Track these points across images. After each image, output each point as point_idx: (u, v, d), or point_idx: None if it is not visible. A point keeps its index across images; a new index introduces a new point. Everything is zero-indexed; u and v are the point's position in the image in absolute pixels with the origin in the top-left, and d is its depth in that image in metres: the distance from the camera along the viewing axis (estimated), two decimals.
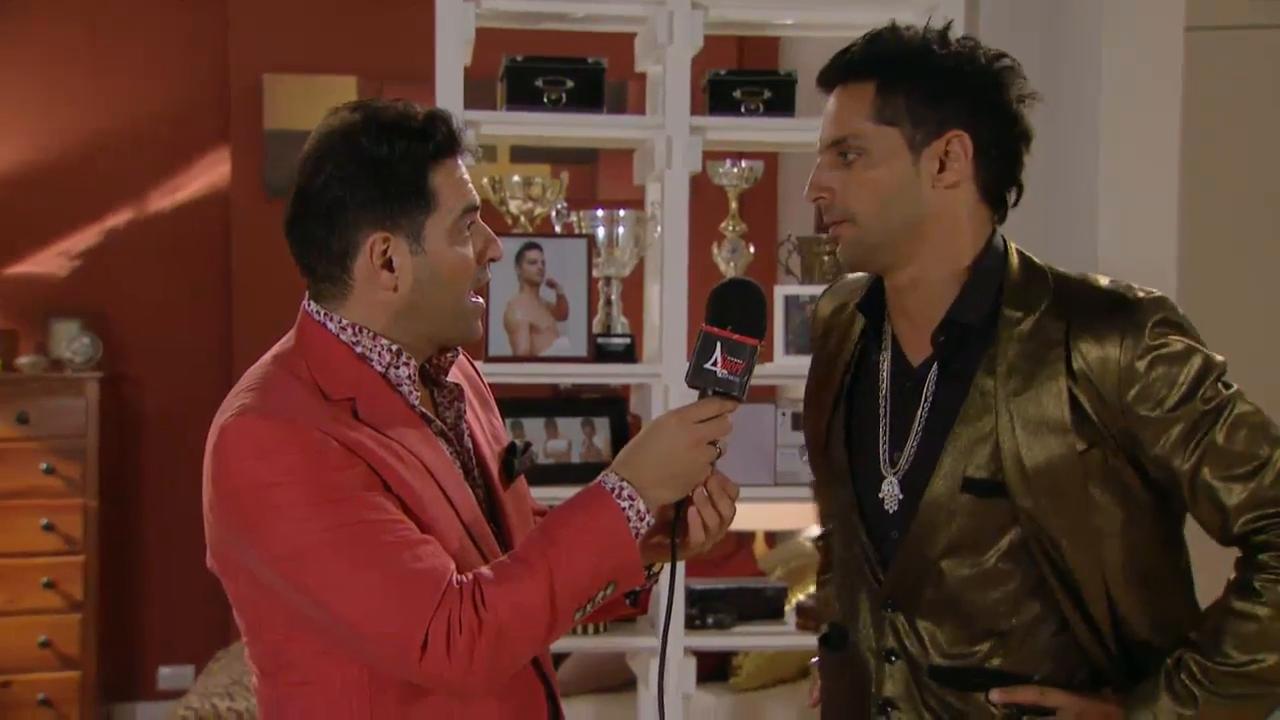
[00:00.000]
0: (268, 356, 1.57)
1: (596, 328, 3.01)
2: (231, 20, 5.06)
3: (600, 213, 3.06)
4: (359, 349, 1.54)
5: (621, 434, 3.10)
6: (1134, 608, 1.56)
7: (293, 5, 5.05)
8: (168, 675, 5.10)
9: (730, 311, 1.52)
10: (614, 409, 3.13)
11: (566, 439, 3.06)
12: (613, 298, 3.05)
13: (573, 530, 1.46)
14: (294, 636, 1.49)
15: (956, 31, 1.59)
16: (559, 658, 4.01)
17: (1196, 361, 1.52)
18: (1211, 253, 2.97)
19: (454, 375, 1.64)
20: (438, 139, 1.52)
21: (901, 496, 1.60)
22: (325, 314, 1.55)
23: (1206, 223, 2.91)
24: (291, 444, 1.42)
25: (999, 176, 1.60)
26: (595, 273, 3.01)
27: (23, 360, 4.83)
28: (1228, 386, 1.53)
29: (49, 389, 4.70)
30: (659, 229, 2.94)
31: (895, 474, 1.61)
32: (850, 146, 1.56)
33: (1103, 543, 1.54)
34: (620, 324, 3.04)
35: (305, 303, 1.58)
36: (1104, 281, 1.59)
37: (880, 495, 1.62)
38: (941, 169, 1.56)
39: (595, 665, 3.98)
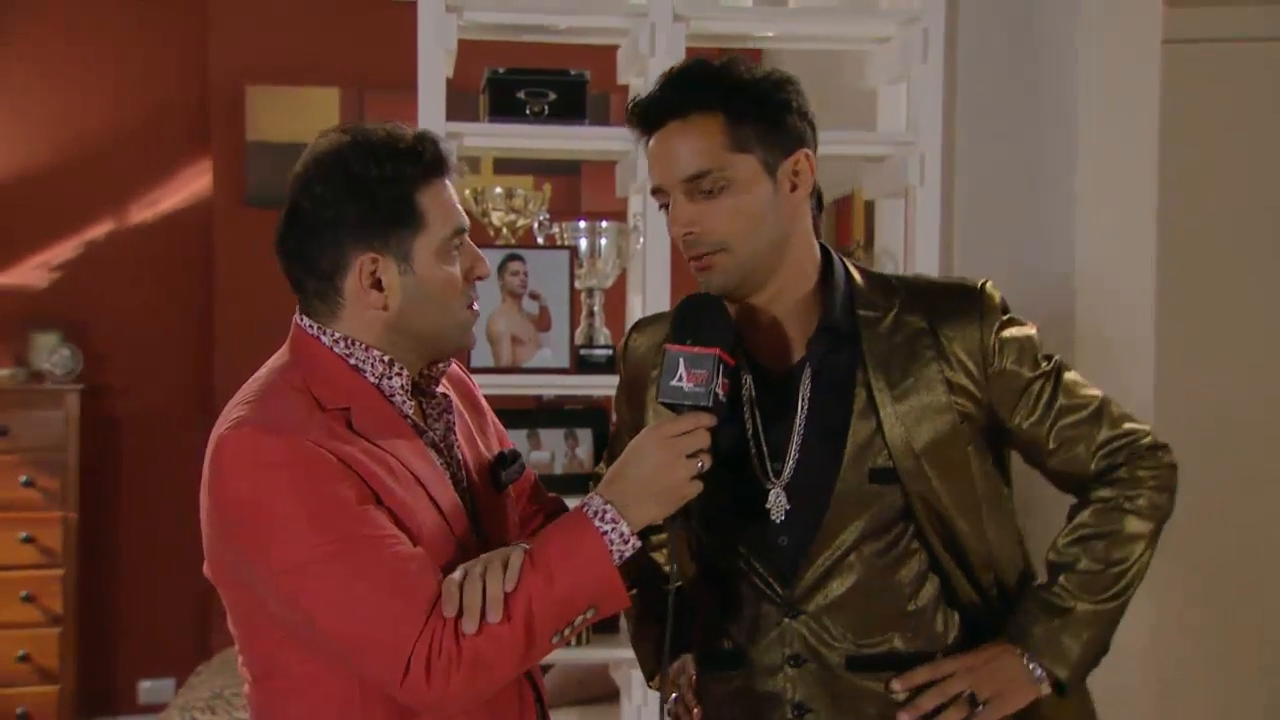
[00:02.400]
0: (263, 369, 1.59)
1: (579, 339, 3.01)
2: (213, 31, 5.06)
3: (583, 224, 3.06)
4: (352, 361, 1.56)
5: (604, 445, 3.09)
6: (1011, 567, 1.73)
7: (274, 16, 5.05)
8: (148, 689, 5.08)
9: (687, 326, 1.56)
10: (597, 420, 3.14)
11: (549, 450, 3.06)
12: (595, 309, 3.05)
13: (552, 555, 1.46)
14: (285, 645, 1.51)
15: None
16: (542, 669, 4.00)
17: (1032, 334, 1.72)
18: (1189, 264, 2.98)
19: (442, 386, 1.66)
20: (426, 160, 1.54)
21: (789, 506, 1.66)
22: (318, 328, 1.57)
23: (1185, 235, 2.92)
24: (287, 457, 1.44)
25: (817, 190, 1.73)
26: (577, 284, 3.01)
27: (2, 372, 4.81)
28: (1048, 354, 1.74)
29: (28, 401, 4.68)
30: (641, 240, 2.95)
31: (780, 483, 1.67)
32: (714, 180, 1.61)
33: (982, 509, 1.68)
34: (603, 335, 3.04)
35: (297, 316, 1.60)
36: (937, 277, 1.79)
37: (767, 506, 1.67)
38: (794, 188, 1.66)
39: (579, 677, 3.98)
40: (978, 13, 3.08)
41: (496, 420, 1.79)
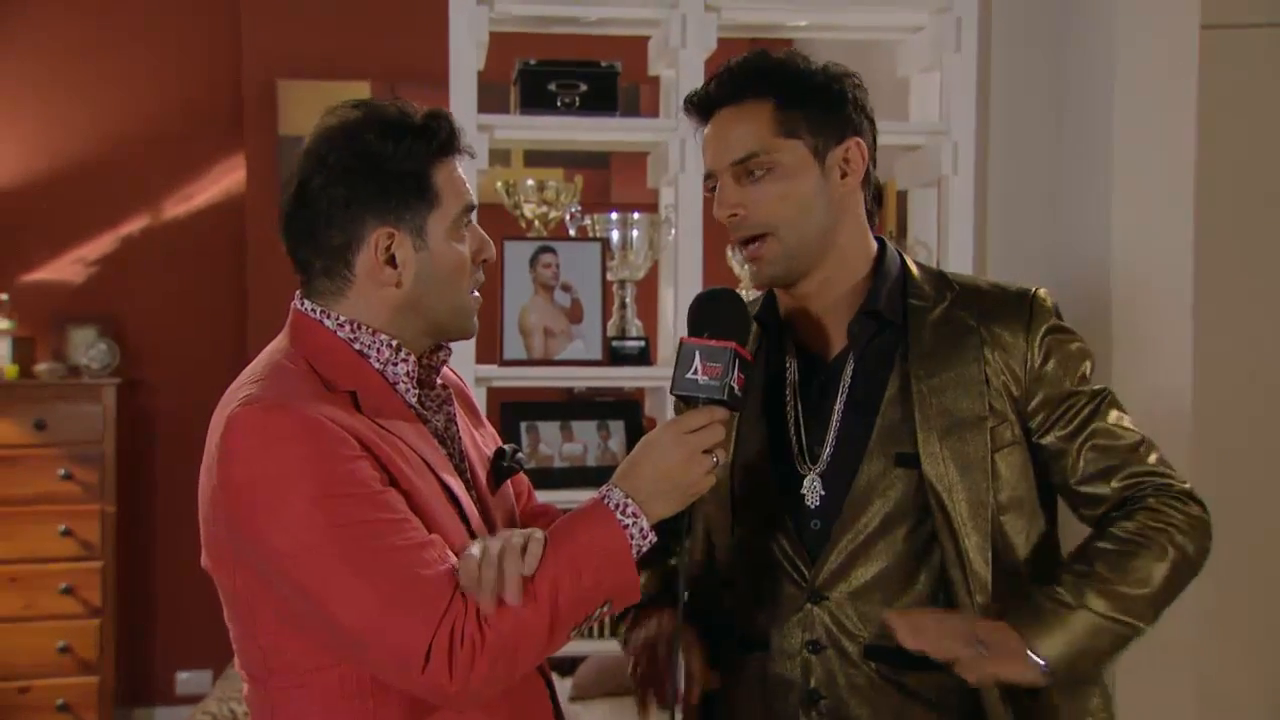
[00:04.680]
0: (262, 355, 1.56)
1: (611, 331, 3.01)
2: (244, 26, 5.08)
3: (614, 216, 3.06)
4: (357, 345, 1.53)
5: (636, 437, 3.10)
6: (1007, 582, 1.63)
7: (306, 11, 5.07)
8: (186, 680, 5.13)
9: (704, 319, 1.55)
10: (629, 412, 3.14)
11: (582, 442, 3.07)
12: (627, 301, 3.05)
13: (577, 548, 1.44)
14: (288, 637, 1.46)
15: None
16: (575, 660, 4.01)
17: (1084, 352, 1.70)
18: (1227, 252, 2.95)
19: (441, 379, 1.64)
20: (441, 137, 1.53)
21: (824, 493, 1.67)
22: (321, 311, 1.54)
23: (1222, 222, 2.89)
24: (301, 434, 1.40)
25: (875, 185, 1.72)
26: (609, 276, 3.01)
27: (40, 367, 4.86)
28: (1101, 386, 1.70)
29: (66, 395, 4.72)
30: (673, 232, 2.94)
31: (816, 469, 1.68)
32: (760, 163, 1.64)
33: (1004, 517, 1.64)
34: (635, 327, 3.04)
35: (296, 302, 1.57)
36: (996, 280, 1.76)
37: (802, 491, 1.68)
38: (844, 175, 1.67)
39: (612, 668, 3.98)
40: (1011, 0, 3.05)
41: (492, 429, 1.77)
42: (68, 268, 5.10)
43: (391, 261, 1.51)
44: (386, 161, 1.50)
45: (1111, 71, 2.66)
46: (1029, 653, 1.53)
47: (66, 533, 4.65)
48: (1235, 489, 2.97)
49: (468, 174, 1.59)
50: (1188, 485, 1.66)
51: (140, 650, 5.05)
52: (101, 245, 5.12)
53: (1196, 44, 2.68)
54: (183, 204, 5.18)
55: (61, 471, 4.65)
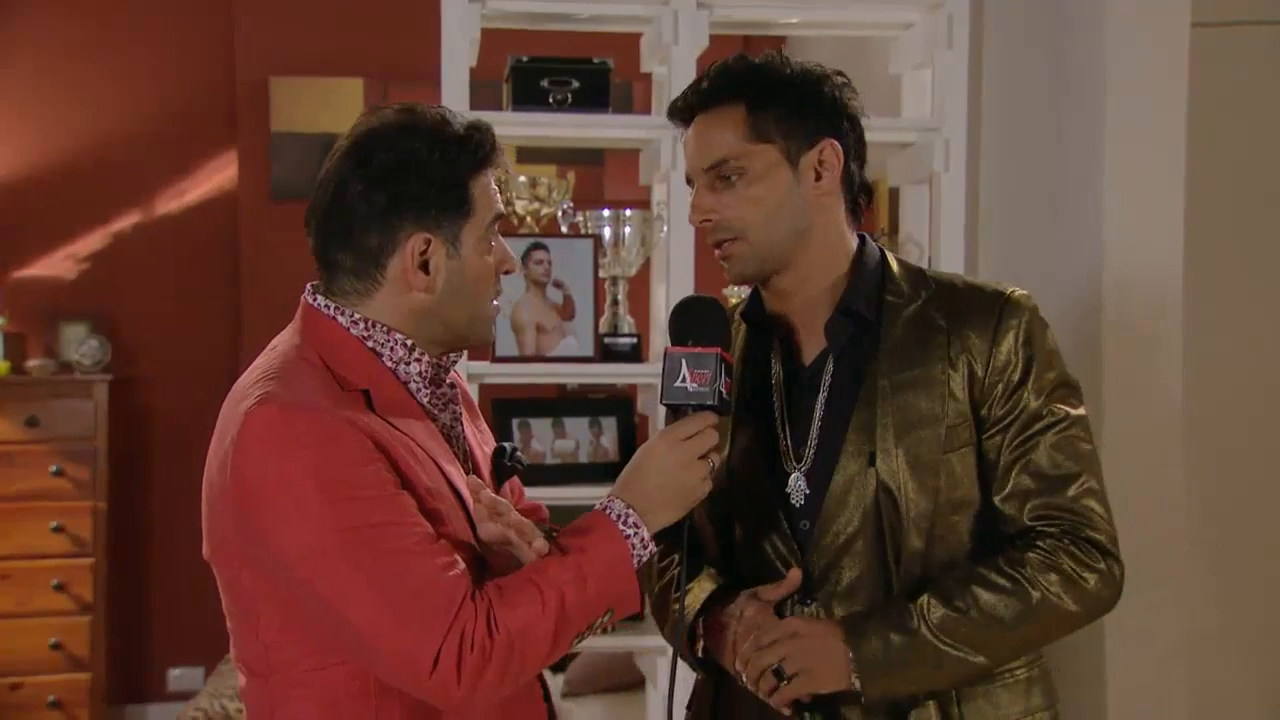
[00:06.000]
0: (276, 348, 1.55)
1: (603, 328, 3.01)
2: (237, 23, 5.08)
3: (606, 213, 3.06)
4: (370, 343, 1.53)
5: (629, 434, 3.10)
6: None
7: (298, 7, 5.07)
8: (177, 676, 5.13)
9: (686, 327, 1.58)
10: (621, 409, 3.14)
11: (574, 439, 3.07)
12: (619, 297, 3.05)
13: (582, 557, 1.46)
14: (293, 635, 1.46)
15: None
16: (568, 657, 4.02)
17: (1051, 365, 1.66)
18: (1218, 252, 2.95)
19: (450, 377, 1.64)
20: (485, 149, 1.54)
21: (808, 491, 1.68)
22: (336, 308, 1.53)
23: (1213, 222, 2.89)
24: (318, 435, 1.40)
25: (859, 183, 1.72)
26: (601, 273, 3.01)
27: (31, 363, 4.85)
28: (1075, 404, 1.66)
29: (58, 392, 4.72)
30: (665, 229, 2.94)
31: (801, 467, 1.68)
32: (731, 168, 1.65)
33: (957, 514, 1.64)
34: (626, 324, 3.04)
35: (309, 297, 1.56)
36: (975, 279, 1.74)
37: (788, 490, 1.69)
38: (818, 177, 1.66)
39: (604, 665, 3.99)
40: None
41: (486, 427, 1.78)
42: (59, 264, 5.09)
43: (424, 267, 1.52)
44: (430, 168, 1.50)
45: (1102, 69, 2.66)
46: (849, 667, 1.57)
47: (58, 529, 4.64)
48: (1233, 489, 2.97)
49: None
50: (1103, 537, 1.62)
51: (132, 647, 5.05)
52: (93, 241, 5.11)
53: (1187, 42, 2.68)
54: (175, 200, 5.18)
55: (53, 468, 4.64)
